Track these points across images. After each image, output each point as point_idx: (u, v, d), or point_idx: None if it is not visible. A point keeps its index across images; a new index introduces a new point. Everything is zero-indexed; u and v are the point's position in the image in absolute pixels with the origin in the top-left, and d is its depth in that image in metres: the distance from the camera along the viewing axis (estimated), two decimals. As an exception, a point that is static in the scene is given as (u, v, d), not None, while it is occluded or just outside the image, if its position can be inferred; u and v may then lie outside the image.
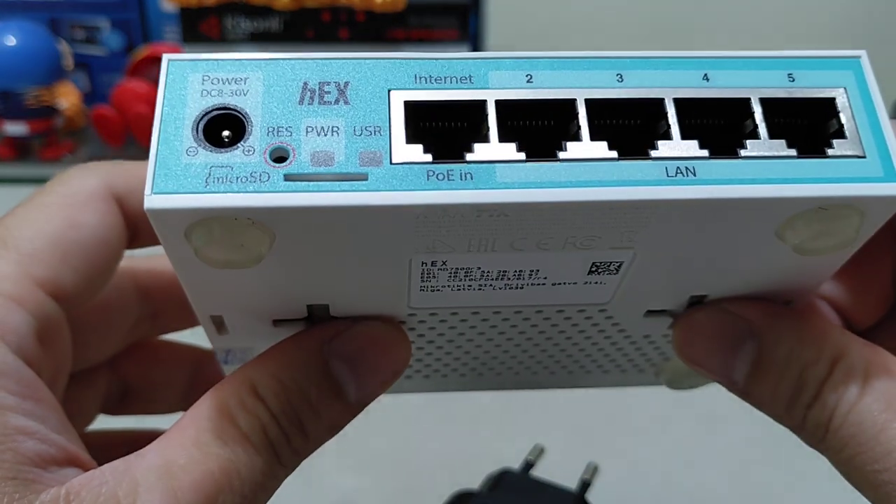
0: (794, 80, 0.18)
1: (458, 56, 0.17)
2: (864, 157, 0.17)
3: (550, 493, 0.29)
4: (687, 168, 0.17)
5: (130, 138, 0.62)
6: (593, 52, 0.17)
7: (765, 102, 0.17)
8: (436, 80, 0.17)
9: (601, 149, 0.17)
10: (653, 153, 0.17)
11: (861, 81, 0.18)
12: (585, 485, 0.29)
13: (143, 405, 0.27)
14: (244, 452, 0.18)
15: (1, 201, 0.57)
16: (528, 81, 0.17)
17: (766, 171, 0.17)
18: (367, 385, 0.19)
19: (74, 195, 0.21)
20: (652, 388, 0.25)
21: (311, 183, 0.16)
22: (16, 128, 0.60)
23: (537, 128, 0.17)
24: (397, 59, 0.17)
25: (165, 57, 0.17)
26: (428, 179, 0.16)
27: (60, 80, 0.61)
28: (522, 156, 0.16)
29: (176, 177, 0.16)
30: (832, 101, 0.18)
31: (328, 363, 0.19)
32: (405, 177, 0.16)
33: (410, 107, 0.17)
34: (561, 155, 0.17)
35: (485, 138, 0.17)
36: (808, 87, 0.18)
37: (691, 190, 0.17)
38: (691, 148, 0.17)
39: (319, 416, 0.19)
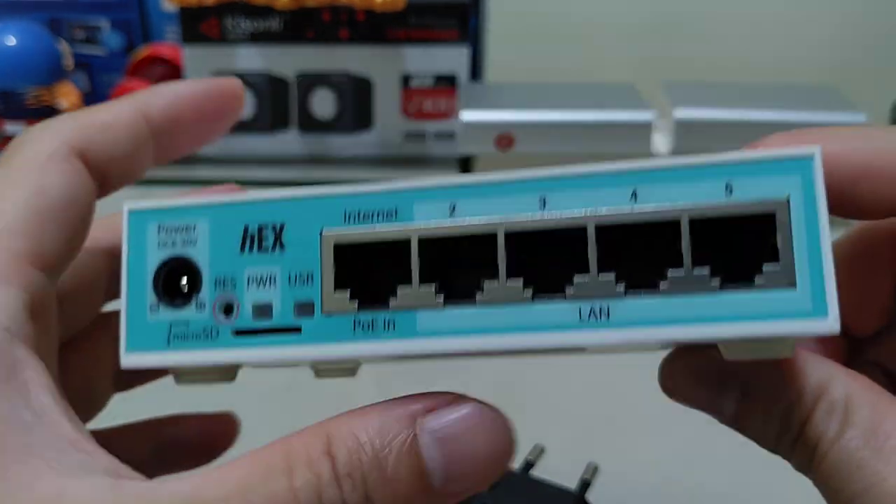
0: (731, 193, 0.16)
1: (384, 188, 0.18)
2: (794, 286, 0.16)
3: (550, 493, 0.29)
4: (601, 309, 0.17)
5: (130, 138, 0.62)
6: (517, 174, 0.17)
7: (694, 224, 0.16)
8: (364, 216, 0.18)
9: (517, 289, 0.17)
10: (568, 290, 0.17)
11: (808, 189, 0.16)
12: (585, 485, 0.29)
13: (157, 371, 0.26)
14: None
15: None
16: (451, 212, 0.17)
17: (685, 309, 0.16)
18: (458, 471, 0.17)
19: (35, 159, 0.20)
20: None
21: (255, 337, 0.18)
22: (16, 128, 0.60)
23: (459, 260, 0.17)
24: (328, 195, 0.18)
25: (126, 206, 0.18)
26: (354, 331, 0.17)
27: (60, 80, 0.61)
28: (441, 300, 0.17)
29: (143, 336, 0.18)
30: (771, 216, 0.16)
31: (417, 436, 0.16)
32: (334, 328, 0.17)
33: (339, 249, 0.18)
34: (478, 297, 0.17)
35: (408, 277, 0.17)
36: (746, 200, 0.16)
37: (603, 334, 0.17)
38: (607, 284, 0.17)
39: (393, 493, 0.16)
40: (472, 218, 0.17)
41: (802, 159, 0.16)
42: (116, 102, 0.22)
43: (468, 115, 0.55)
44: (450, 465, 0.16)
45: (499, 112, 0.55)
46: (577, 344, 0.17)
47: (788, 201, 0.16)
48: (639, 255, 0.17)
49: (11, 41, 0.58)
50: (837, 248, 0.17)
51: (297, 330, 0.18)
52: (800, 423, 0.18)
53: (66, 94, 0.63)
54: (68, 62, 0.61)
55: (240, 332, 0.18)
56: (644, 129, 0.54)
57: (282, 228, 0.18)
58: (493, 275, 0.17)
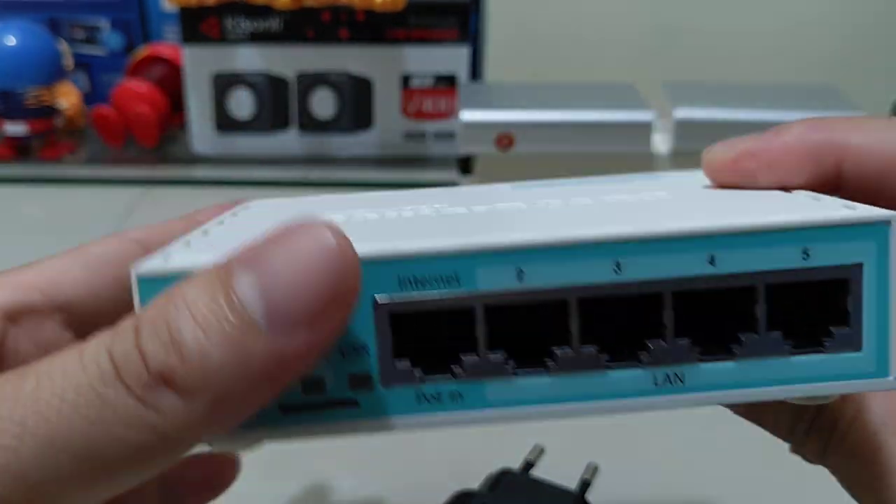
0: (808, 258, 0.16)
1: (441, 251, 0.16)
2: (860, 350, 0.17)
3: (550, 493, 0.29)
4: (676, 374, 0.17)
5: (130, 138, 0.62)
6: (590, 236, 0.16)
7: (770, 289, 0.16)
8: (421, 282, 0.16)
9: (591, 357, 0.16)
10: (643, 357, 0.16)
11: (883, 255, 0.16)
12: (585, 485, 0.29)
13: None
14: (56, 366, 0.14)
15: (1, 201, 0.57)
16: (518, 278, 0.16)
17: (757, 372, 0.17)
18: (282, 301, 0.14)
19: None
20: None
21: (304, 414, 0.16)
22: (16, 128, 0.60)
23: (528, 326, 0.16)
24: (379, 259, 0.16)
25: (134, 272, 0.16)
26: (418, 403, 0.16)
27: (60, 80, 0.61)
28: (511, 368, 0.16)
29: None
30: (845, 282, 0.16)
31: (232, 275, 0.14)
32: (395, 401, 0.16)
33: (396, 318, 0.16)
34: (550, 365, 0.16)
35: (473, 345, 0.16)
36: (822, 264, 0.16)
37: (677, 399, 0.17)
38: (682, 350, 0.16)
39: (205, 332, 0.14)
40: (543, 285, 0.16)
41: (879, 225, 0.16)
42: (180, 217, 0.24)
43: (468, 115, 0.55)
44: (271, 299, 0.14)
45: (499, 112, 0.55)
46: (651, 408, 0.17)
47: (862, 267, 0.16)
48: (713, 320, 0.17)
49: (11, 41, 0.58)
50: None
51: (354, 404, 0.16)
52: (815, 408, 0.18)
53: (66, 94, 0.63)
54: (68, 62, 0.61)
55: (287, 409, 0.16)
56: (644, 129, 0.54)
57: None
58: (566, 341, 0.16)
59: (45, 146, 0.62)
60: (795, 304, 0.17)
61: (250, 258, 0.14)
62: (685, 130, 0.53)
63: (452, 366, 0.16)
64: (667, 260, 0.16)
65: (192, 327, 0.14)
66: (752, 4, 0.75)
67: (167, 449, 0.14)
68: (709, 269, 0.16)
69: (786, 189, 0.20)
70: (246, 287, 0.14)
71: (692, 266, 0.16)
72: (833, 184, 0.20)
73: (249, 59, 0.60)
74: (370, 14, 0.59)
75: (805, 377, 0.17)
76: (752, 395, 0.17)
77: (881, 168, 0.19)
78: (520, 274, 0.16)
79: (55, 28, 0.66)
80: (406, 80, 0.61)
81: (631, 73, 0.68)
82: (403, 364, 0.16)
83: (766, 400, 0.17)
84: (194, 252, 0.17)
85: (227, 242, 0.18)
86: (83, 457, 0.13)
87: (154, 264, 0.16)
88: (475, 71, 0.64)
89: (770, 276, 0.16)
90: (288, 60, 0.60)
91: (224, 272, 0.14)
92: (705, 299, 0.16)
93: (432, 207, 0.21)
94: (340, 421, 0.16)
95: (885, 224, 0.16)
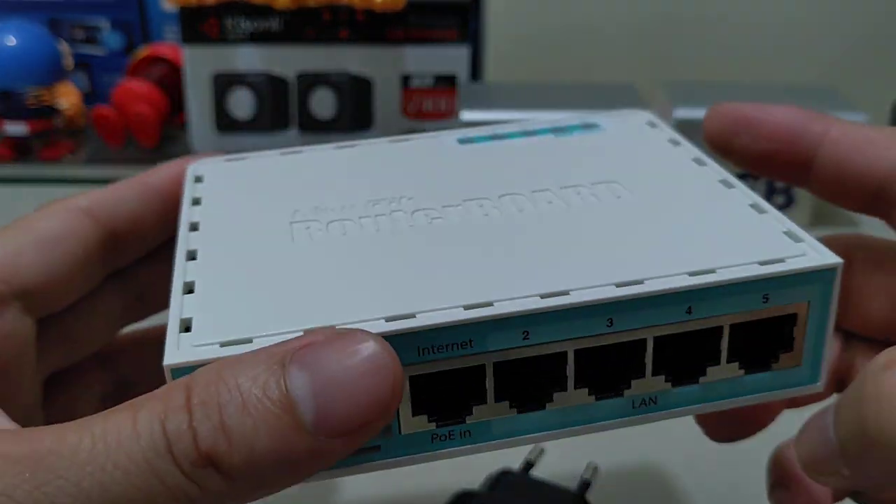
0: (767, 301, 0.19)
1: (458, 321, 0.18)
2: (800, 365, 0.20)
3: (550, 492, 0.29)
4: (651, 398, 0.20)
5: (130, 138, 0.62)
6: (588, 300, 0.18)
7: (734, 328, 0.19)
8: (438, 349, 0.18)
9: (583, 395, 0.19)
10: (626, 392, 0.19)
11: (826, 294, 0.19)
12: (585, 485, 0.29)
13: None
14: (111, 430, 0.14)
15: (1, 201, 0.57)
16: (524, 338, 0.18)
17: (715, 391, 0.20)
18: (332, 409, 0.15)
19: (39, 210, 0.22)
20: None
21: None
22: (16, 128, 0.60)
23: (531, 376, 0.19)
24: (401, 332, 0.17)
25: (165, 362, 0.17)
26: (432, 442, 0.18)
27: (60, 80, 0.61)
28: (515, 412, 0.19)
29: None
30: (794, 316, 0.19)
31: (286, 370, 0.15)
32: (412, 443, 0.18)
33: (415, 379, 0.18)
34: (548, 406, 0.19)
35: (482, 396, 0.18)
36: (778, 305, 0.19)
37: (650, 416, 0.20)
38: (658, 383, 0.19)
39: (254, 425, 0.15)
40: (545, 340, 0.18)
41: (828, 271, 0.19)
42: (126, 179, 0.24)
43: (468, 115, 0.55)
44: (321, 403, 0.15)
45: (499, 112, 0.55)
46: (630, 426, 0.20)
47: (809, 304, 0.19)
48: (686, 357, 0.19)
49: (11, 41, 0.58)
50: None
51: (377, 449, 0.18)
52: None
53: (66, 94, 0.63)
54: (68, 62, 0.61)
55: None
56: (644, 129, 0.54)
57: None
58: (563, 387, 0.19)
59: (45, 146, 0.62)
60: (751, 338, 0.19)
61: (304, 357, 0.15)
62: (685, 130, 0.53)
63: (465, 415, 0.18)
64: (653, 314, 0.19)
65: (242, 416, 0.14)
66: (752, 5, 0.75)
67: None
68: (687, 317, 0.19)
69: (728, 182, 0.23)
70: (299, 386, 0.15)
71: (674, 316, 0.19)
72: (804, 164, 0.23)
73: (249, 59, 0.60)
74: (370, 14, 0.59)
75: (753, 390, 0.20)
76: (710, 407, 0.20)
77: (848, 156, 0.22)
78: (525, 334, 0.18)
79: (55, 28, 0.66)
80: (406, 80, 0.61)
81: (631, 73, 0.68)
82: (421, 418, 0.18)
83: (722, 410, 0.20)
84: (213, 295, 0.19)
85: (237, 266, 0.20)
86: None
87: (184, 354, 0.17)
88: (475, 71, 0.64)
89: (735, 317, 0.19)
90: (288, 60, 0.60)
91: (277, 365, 0.15)
92: (682, 342, 0.19)
93: (406, 209, 0.22)
94: (362, 463, 0.18)
95: (832, 270, 0.19)
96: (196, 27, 0.59)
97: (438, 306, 0.18)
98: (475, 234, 0.21)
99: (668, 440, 0.35)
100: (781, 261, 0.19)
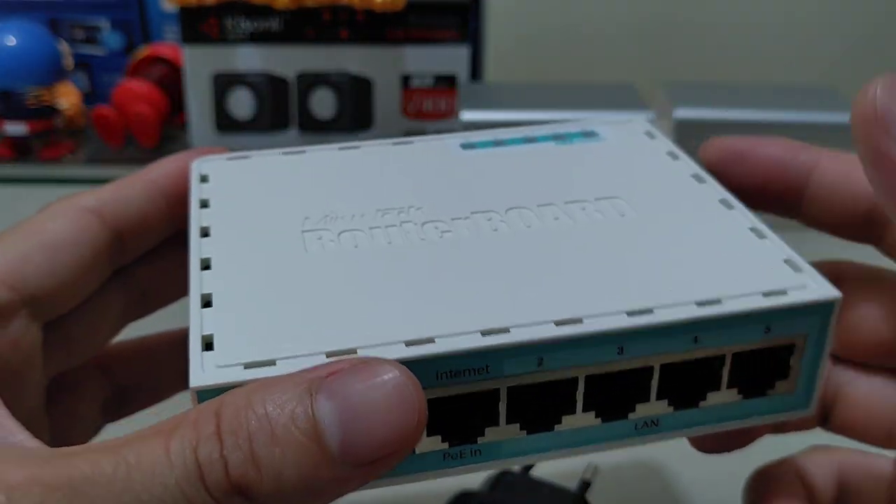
0: (769, 332, 0.20)
1: (477, 348, 0.18)
2: (793, 392, 0.21)
3: (550, 492, 0.29)
4: (653, 421, 0.20)
5: (130, 138, 0.62)
6: (602, 329, 0.18)
7: (735, 356, 0.20)
8: (456, 374, 0.18)
9: (590, 419, 0.20)
10: (630, 416, 0.20)
11: (824, 326, 0.20)
12: (585, 485, 0.29)
13: (147, 400, 0.27)
14: (145, 458, 0.15)
15: (1, 201, 0.57)
16: (539, 365, 0.18)
17: (714, 414, 0.21)
18: (358, 438, 0.15)
19: (44, 212, 0.22)
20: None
21: None
22: (16, 128, 0.60)
23: (541, 399, 0.19)
24: (422, 358, 0.18)
25: (192, 385, 0.17)
26: (444, 460, 0.19)
27: (60, 80, 0.61)
28: (525, 434, 0.19)
29: None
30: (791, 346, 0.20)
31: (313, 399, 0.15)
32: (424, 461, 0.19)
33: (431, 402, 0.18)
34: (556, 427, 0.19)
35: (495, 418, 0.19)
36: (778, 336, 0.20)
37: (651, 437, 0.21)
38: (661, 407, 0.20)
39: (283, 454, 0.15)
40: (558, 366, 0.19)
41: (827, 304, 0.20)
42: (129, 175, 0.24)
43: (468, 115, 0.54)
44: (348, 433, 0.15)
45: (499, 112, 0.55)
46: (631, 445, 0.20)
47: (807, 335, 0.20)
48: (689, 383, 0.20)
49: (11, 41, 0.58)
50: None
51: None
52: None
53: (66, 94, 0.63)
54: (68, 62, 0.61)
55: None
56: (644, 129, 0.54)
57: None
58: (572, 410, 0.19)
59: (45, 146, 0.62)
60: (750, 364, 0.20)
61: (331, 385, 0.15)
62: (685, 130, 0.53)
63: (477, 436, 0.19)
64: (661, 342, 0.19)
65: (271, 445, 0.15)
66: (752, 5, 0.75)
67: None
68: (693, 346, 0.19)
69: (727, 204, 0.23)
70: (326, 415, 0.15)
71: (681, 345, 0.19)
72: (796, 194, 0.24)
73: (249, 59, 0.60)
74: (370, 14, 0.59)
75: (748, 414, 0.21)
76: (707, 429, 0.21)
77: (838, 182, 0.23)
78: (540, 361, 0.18)
79: (55, 28, 0.66)
80: (406, 80, 0.61)
81: (631, 73, 0.68)
82: (434, 439, 0.19)
83: (719, 431, 0.21)
84: (232, 310, 0.19)
85: (253, 274, 0.20)
86: None
87: (209, 376, 0.17)
88: (475, 71, 0.64)
89: (738, 346, 0.20)
90: (288, 60, 0.60)
91: (305, 394, 0.15)
92: (686, 369, 0.20)
93: (415, 220, 0.22)
94: (376, 479, 0.18)
95: (832, 303, 0.20)
96: (196, 27, 0.59)
97: (456, 330, 0.18)
98: (486, 250, 0.21)
99: (668, 440, 0.36)
100: (784, 293, 0.19)
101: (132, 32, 0.67)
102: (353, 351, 0.18)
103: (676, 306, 0.19)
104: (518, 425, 0.19)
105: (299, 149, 0.26)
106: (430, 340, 0.18)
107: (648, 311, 0.19)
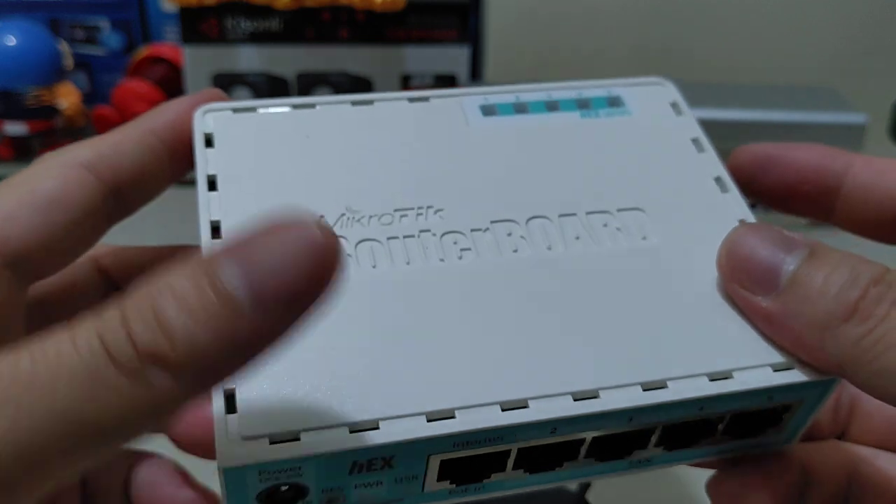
0: (771, 400, 0.20)
1: (495, 426, 0.18)
2: (781, 433, 0.22)
3: (550, 492, 0.29)
4: (646, 459, 0.22)
5: (130, 138, 0.62)
6: (617, 406, 0.19)
7: (734, 415, 0.21)
8: (471, 443, 0.19)
9: (590, 463, 0.21)
10: (627, 458, 0.21)
11: (823, 393, 0.21)
12: (585, 485, 0.29)
13: None
14: (51, 350, 0.14)
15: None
16: (551, 433, 0.19)
17: (705, 452, 0.22)
18: (263, 277, 0.14)
19: (36, 167, 0.21)
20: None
21: None
22: (16, 128, 0.60)
23: (547, 454, 0.20)
24: (440, 436, 0.18)
25: (220, 465, 0.17)
26: (450, 495, 0.20)
27: (60, 80, 0.61)
28: (527, 476, 0.20)
29: None
30: (789, 406, 0.21)
31: (213, 261, 0.15)
32: (432, 496, 0.20)
33: (445, 462, 0.19)
34: (557, 469, 0.21)
35: (502, 468, 0.20)
36: (778, 401, 0.21)
37: (643, 470, 0.22)
38: (656, 451, 0.21)
39: (189, 314, 0.14)
40: (568, 433, 0.19)
41: (830, 381, 0.20)
42: (127, 124, 0.23)
43: (468, 115, 0.54)
44: (253, 278, 0.14)
45: (499, 112, 0.55)
46: (623, 476, 0.22)
47: (805, 400, 0.21)
48: (686, 435, 0.21)
49: (11, 41, 0.58)
50: None
51: (399, 500, 0.20)
52: (864, 286, 0.21)
53: (66, 94, 0.63)
54: (68, 62, 0.61)
55: None
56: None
57: (391, 458, 0.18)
58: (575, 458, 0.20)
59: (45, 146, 0.62)
60: (746, 419, 0.21)
61: (234, 248, 0.15)
62: (685, 130, 0.53)
63: (483, 480, 0.20)
64: (669, 413, 0.20)
65: (178, 313, 0.14)
66: (752, 5, 0.75)
67: (157, 416, 0.15)
68: (698, 413, 0.20)
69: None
70: (230, 274, 0.15)
71: (688, 413, 0.20)
72: (830, 196, 0.24)
73: (249, 59, 0.60)
74: (370, 14, 0.59)
75: (739, 448, 0.22)
76: (695, 461, 0.23)
77: (872, 182, 0.23)
78: (553, 430, 0.19)
79: (55, 28, 0.66)
80: (406, 80, 0.61)
81: (631, 72, 0.68)
82: (443, 482, 0.20)
83: (703, 461, 0.23)
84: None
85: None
86: (78, 427, 0.14)
87: (239, 457, 0.17)
88: (475, 71, 0.64)
89: (738, 410, 0.21)
90: (288, 60, 0.60)
91: (208, 263, 0.15)
92: (687, 427, 0.21)
93: (435, 229, 0.22)
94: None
95: (831, 382, 0.20)
96: (196, 27, 0.59)
97: (476, 401, 0.18)
98: (504, 289, 0.21)
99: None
100: (791, 368, 0.20)
101: (132, 32, 0.67)
102: (375, 423, 0.18)
103: (689, 379, 0.19)
104: (523, 470, 0.20)
105: (309, 101, 0.24)
106: (451, 415, 0.18)
107: (662, 385, 0.19)
